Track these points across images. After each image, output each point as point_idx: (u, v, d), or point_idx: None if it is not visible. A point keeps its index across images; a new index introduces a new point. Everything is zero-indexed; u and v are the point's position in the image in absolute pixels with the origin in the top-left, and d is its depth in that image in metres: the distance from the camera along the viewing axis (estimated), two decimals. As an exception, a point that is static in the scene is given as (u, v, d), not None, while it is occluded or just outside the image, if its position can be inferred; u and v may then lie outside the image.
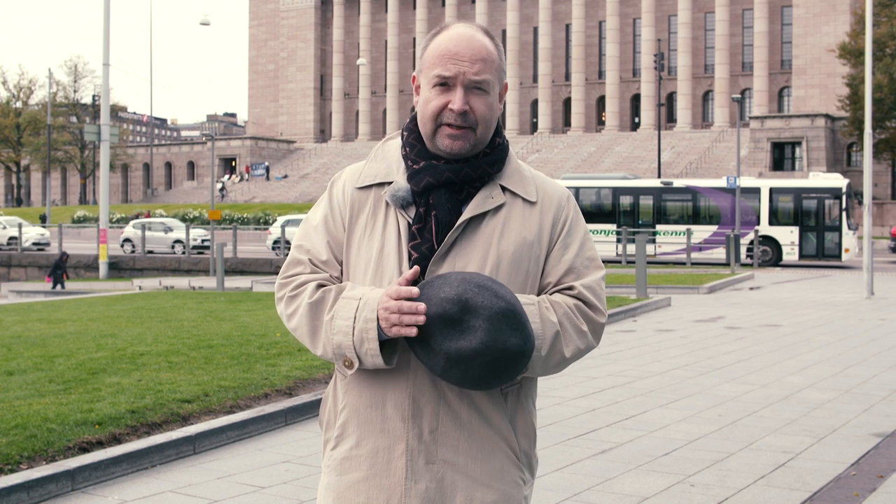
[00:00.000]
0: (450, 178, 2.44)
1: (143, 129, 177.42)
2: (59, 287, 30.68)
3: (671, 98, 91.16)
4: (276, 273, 34.33)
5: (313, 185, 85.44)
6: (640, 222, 39.10)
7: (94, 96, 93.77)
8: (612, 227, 38.79)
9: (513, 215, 2.48)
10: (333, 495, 2.48)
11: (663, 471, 6.82)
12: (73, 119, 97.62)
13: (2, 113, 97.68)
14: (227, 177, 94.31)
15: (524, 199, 2.51)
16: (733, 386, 10.26)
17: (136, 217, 58.77)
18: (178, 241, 42.27)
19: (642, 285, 20.58)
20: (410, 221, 2.44)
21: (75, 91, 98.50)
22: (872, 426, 8.31)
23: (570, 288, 2.50)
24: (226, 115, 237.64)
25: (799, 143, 69.85)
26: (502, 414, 2.45)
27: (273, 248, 42.06)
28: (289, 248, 34.88)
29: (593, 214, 38.89)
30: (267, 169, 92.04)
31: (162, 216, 62.80)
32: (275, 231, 42.29)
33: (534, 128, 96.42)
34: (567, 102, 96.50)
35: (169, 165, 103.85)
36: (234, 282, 28.90)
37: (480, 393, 2.41)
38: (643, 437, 7.87)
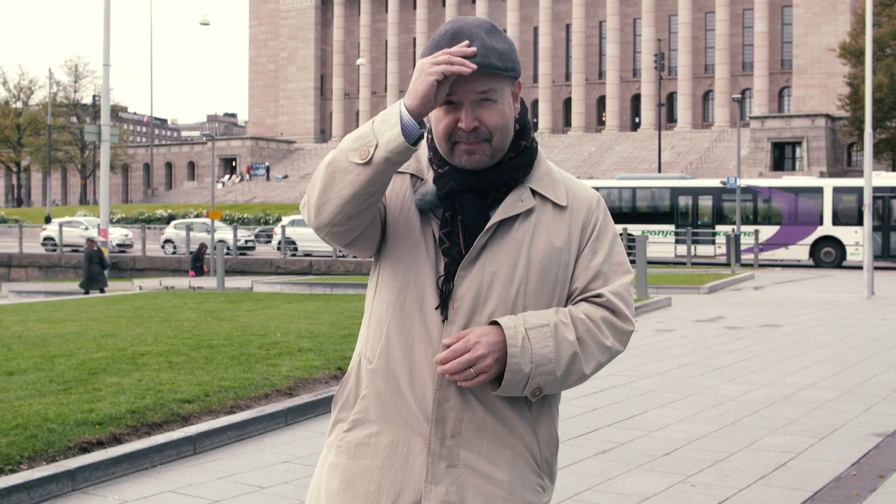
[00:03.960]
0: (474, 184, 2.40)
1: (144, 129, 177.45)
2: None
3: (671, 98, 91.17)
4: (278, 273, 34.40)
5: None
6: (698, 223, 38.53)
7: (94, 96, 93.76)
8: (670, 227, 38.23)
9: (543, 220, 2.44)
10: (342, 476, 2.44)
11: (664, 470, 6.82)
12: (74, 119, 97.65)
13: (2, 113, 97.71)
14: (227, 177, 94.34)
15: (554, 203, 2.47)
16: (734, 386, 10.26)
17: (171, 218, 58.77)
18: (221, 241, 42.18)
19: (643, 285, 20.59)
20: (439, 224, 2.41)
21: (75, 91, 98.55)
22: (873, 426, 8.31)
23: (599, 296, 2.46)
24: (226, 115, 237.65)
25: (799, 143, 69.88)
26: (526, 421, 2.42)
27: (277, 248, 41.64)
28: (293, 249, 34.82)
29: (650, 215, 38.61)
30: (267, 169, 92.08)
31: (163, 216, 62.84)
32: (279, 231, 41.75)
33: (534, 127, 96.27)
34: (567, 102, 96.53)
35: (169, 166, 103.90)
36: (234, 282, 28.91)
37: (505, 400, 2.39)
38: (644, 436, 7.87)
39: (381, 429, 2.41)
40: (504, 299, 2.38)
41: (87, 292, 27.62)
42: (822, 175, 61.88)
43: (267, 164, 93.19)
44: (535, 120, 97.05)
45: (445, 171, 2.42)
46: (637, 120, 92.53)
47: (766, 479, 6.62)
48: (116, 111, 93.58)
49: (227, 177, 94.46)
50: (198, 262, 34.68)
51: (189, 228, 43.43)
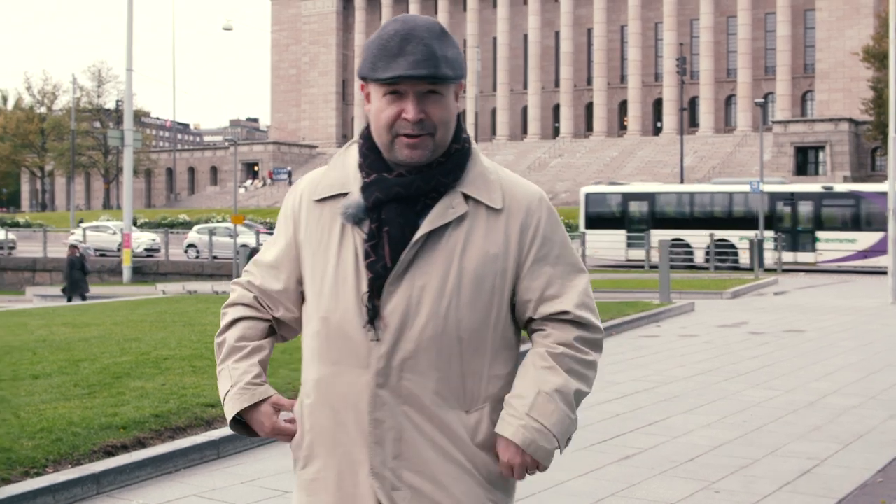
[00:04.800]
0: (399, 193, 2.30)
1: (166, 134, 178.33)
2: None
3: (693, 102, 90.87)
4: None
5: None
6: (798, 229, 37.54)
7: (117, 101, 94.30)
8: (769, 233, 37.02)
9: (476, 226, 2.32)
10: None
11: (687, 477, 6.79)
12: (97, 124, 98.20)
13: (26, 118, 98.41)
14: (249, 181, 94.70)
15: (488, 207, 2.34)
16: (758, 391, 10.20)
17: (204, 221, 58.91)
18: (244, 245, 42.14)
19: (665, 290, 20.51)
20: (365, 238, 2.32)
21: (99, 96, 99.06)
22: (899, 432, 8.24)
23: (564, 313, 2.38)
24: (248, 119, 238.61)
25: (822, 148, 69.48)
26: (469, 436, 2.33)
27: None
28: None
29: (746, 220, 37.71)
30: (289, 174, 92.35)
31: (186, 221, 63.06)
32: None
33: (556, 132, 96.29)
34: (589, 107, 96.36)
35: (192, 170, 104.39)
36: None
37: (443, 412, 2.30)
38: (667, 442, 7.83)
39: (326, 462, 2.38)
40: (435, 313, 2.27)
41: (69, 299, 27.82)
42: (845, 180, 61.52)
43: (289, 168, 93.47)
44: (556, 124, 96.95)
45: (372, 179, 2.33)
46: (659, 124, 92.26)
47: (791, 485, 6.58)
48: (139, 116, 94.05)
49: (249, 181, 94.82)
50: None
51: (212, 233, 43.54)
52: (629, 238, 38.30)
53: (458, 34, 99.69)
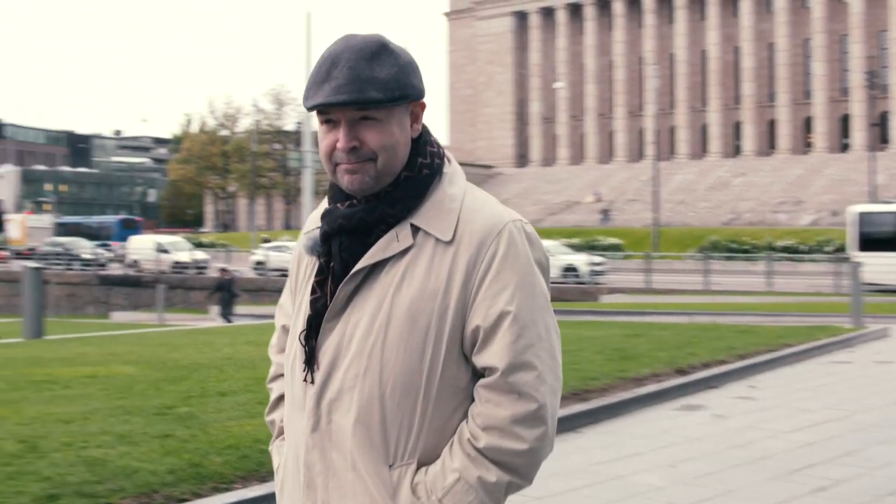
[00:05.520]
0: (342, 225, 2.13)
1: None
2: None
3: (884, 117, 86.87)
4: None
5: (514, 210, 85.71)
6: None
7: (298, 123, 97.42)
8: None
9: (420, 260, 2.08)
10: None
11: (890, 513, 6.37)
12: (277, 146, 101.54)
13: (209, 141, 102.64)
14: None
15: (437, 239, 2.09)
16: (963, 423, 9.54)
17: None
18: None
19: (857, 314, 19.56)
20: (314, 273, 2.20)
21: (278, 118, 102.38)
22: None
23: (492, 370, 2.05)
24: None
25: None
26: (389, 495, 2.07)
27: None
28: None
29: None
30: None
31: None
32: None
33: (737, 150, 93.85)
34: (771, 124, 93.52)
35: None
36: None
37: (368, 466, 2.08)
38: (864, 474, 7.40)
39: (286, 500, 2.27)
40: (359, 352, 2.08)
41: (228, 320, 28.82)
42: None
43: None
44: (737, 142, 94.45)
45: (325, 210, 2.20)
46: (846, 141, 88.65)
47: None
48: (317, 137, 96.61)
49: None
50: None
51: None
52: None
53: (635, 52, 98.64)
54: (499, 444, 2.02)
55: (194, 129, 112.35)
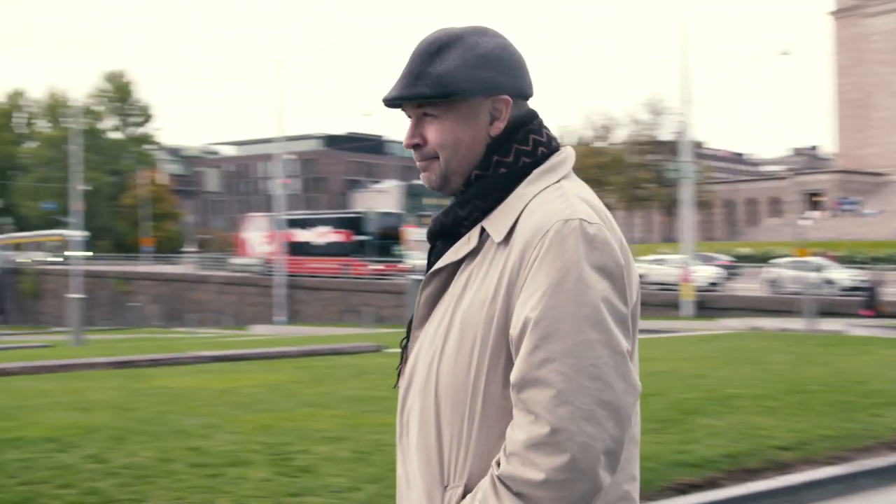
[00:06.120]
0: (432, 229, 2.06)
1: (721, 164, 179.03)
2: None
3: None
4: (871, 315, 32.41)
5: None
6: None
7: (676, 133, 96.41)
8: None
9: (482, 265, 1.93)
10: None
11: None
12: (655, 157, 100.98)
13: (586, 153, 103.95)
14: (813, 212, 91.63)
15: (495, 242, 1.93)
16: None
17: (753, 257, 58.89)
18: (828, 281, 40.76)
19: None
20: None
21: (655, 128, 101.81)
22: None
23: (513, 387, 1.80)
24: (808, 147, 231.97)
25: None
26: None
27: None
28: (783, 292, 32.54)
29: None
30: (858, 204, 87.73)
31: (748, 254, 62.45)
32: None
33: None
34: None
35: (750, 202, 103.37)
36: (823, 324, 27.73)
37: (427, 485, 1.94)
38: None
39: None
40: (426, 364, 1.96)
41: None
42: None
43: (858, 199, 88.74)
44: None
45: None
46: None
47: None
48: (695, 147, 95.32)
49: (812, 212, 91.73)
50: (871, 301, 33.39)
51: (798, 268, 41.99)
52: None
53: None
54: (514, 472, 1.76)
55: (570, 140, 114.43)
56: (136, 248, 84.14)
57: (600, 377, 1.74)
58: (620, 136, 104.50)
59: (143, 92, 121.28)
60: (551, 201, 1.91)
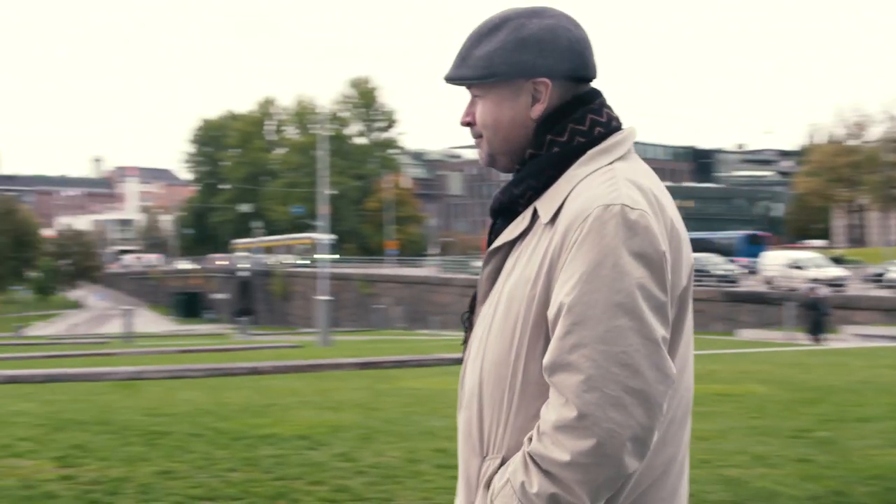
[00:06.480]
0: (492, 207, 2.08)
1: None
2: None
3: None
4: None
5: None
6: None
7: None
8: None
9: (530, 244, 1.94)
10: None
11: None
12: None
13: (838, 152, 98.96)
14: None
15: (543, 222, 1.93)
16: None
17: None
18: None
19: None
20: None
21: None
22: None
23: (544, 368, 1.81)
24: None
25: None
26: (475, 486, 1.97)
27: None
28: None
29: None
30: None
31: None
32: None
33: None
34: None
35: None
36: None
37: (469, 458, 2.00)
38: None
39: None
40: (477, 339, 2.01)
41: (816, 339, 28.60)
42: None
43: None
44: None
45: None
46: None
47: None
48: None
49: None
50: None
51: None
52: None
53: None
54: (543, 450, 1.78)
55: (820, 139, 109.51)
56: (381, 251, 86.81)
57: (630, 364, 1.75)
58: (875, 133, 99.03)
59: (387, 97, 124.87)
60: (598, 185, 1.89)
